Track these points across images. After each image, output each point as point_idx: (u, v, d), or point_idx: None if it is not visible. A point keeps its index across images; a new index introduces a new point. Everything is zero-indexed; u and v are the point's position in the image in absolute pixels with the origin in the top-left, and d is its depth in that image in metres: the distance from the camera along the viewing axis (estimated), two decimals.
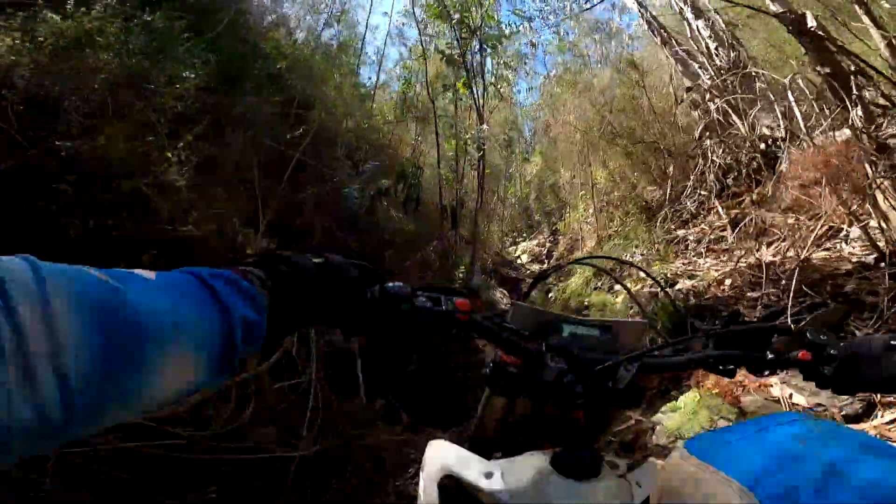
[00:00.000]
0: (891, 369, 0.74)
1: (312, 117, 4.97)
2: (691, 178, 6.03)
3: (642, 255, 5.51)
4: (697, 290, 3.47)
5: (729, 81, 5.83)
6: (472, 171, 5.30)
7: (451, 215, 4.93)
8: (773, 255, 3.46)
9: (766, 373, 0.83)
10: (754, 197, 5.06)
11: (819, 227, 3.33)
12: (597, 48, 12.26)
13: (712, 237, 4.78)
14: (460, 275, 4.97)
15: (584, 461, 0.71)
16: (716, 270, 3.63)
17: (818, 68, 3.89)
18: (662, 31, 6.88)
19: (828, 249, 3.29)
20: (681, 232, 5.57)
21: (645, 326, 0.96)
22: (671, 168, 6.52)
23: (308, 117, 4.86)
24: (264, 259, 0.60)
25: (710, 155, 5.77)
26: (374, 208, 4.71)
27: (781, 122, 5.37)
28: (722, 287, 3.37)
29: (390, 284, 0.72)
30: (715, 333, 0.85)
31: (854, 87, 3.72)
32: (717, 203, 5.42)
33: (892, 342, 0.73)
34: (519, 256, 13.94)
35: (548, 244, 13.78)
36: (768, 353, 0.81)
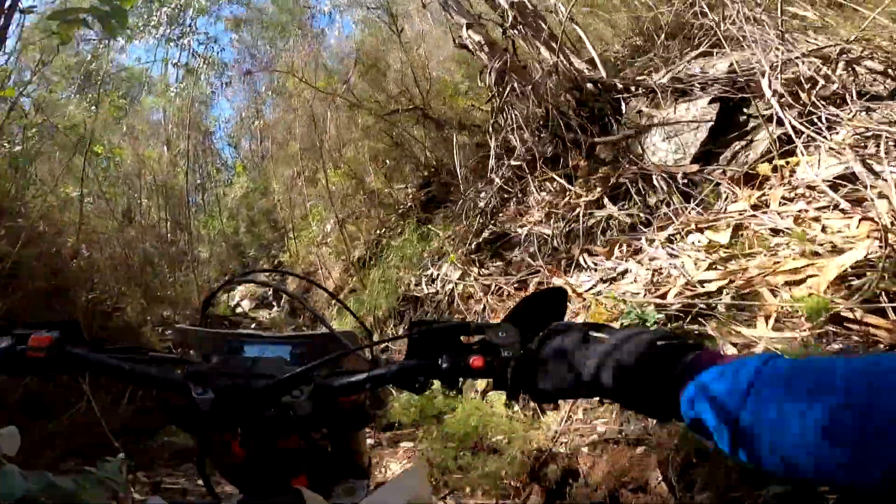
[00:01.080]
0: (581, 368, 0.52)
1: None
2: (492, 144, 4.02)
3: (466, 281, 3.11)
4: None
5: (515, 15, 4.10)
6: None
7: None
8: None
9: (449, 388, 0.63)
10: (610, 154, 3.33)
11: None
12: None
13: (606, 225, 2.72)
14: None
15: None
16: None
17: None
18: None
19: None
20: (511, 225, 3.44)
21: (353, 338, 0.85)
22: (455, 138, 4.44)
23: None
24: None
25: (513, 107, 3.85)
26: None
27: (599, 62, 3.90)
28: None
29: None
30: (412, 340, 0.66)
31: None
32: (552, 173, 3.50)
33: (591, 333, 0.54)
34: (238, 304, 11.46)
35: (274, 281, 11.30)
36: (442, 361, 0.62)
